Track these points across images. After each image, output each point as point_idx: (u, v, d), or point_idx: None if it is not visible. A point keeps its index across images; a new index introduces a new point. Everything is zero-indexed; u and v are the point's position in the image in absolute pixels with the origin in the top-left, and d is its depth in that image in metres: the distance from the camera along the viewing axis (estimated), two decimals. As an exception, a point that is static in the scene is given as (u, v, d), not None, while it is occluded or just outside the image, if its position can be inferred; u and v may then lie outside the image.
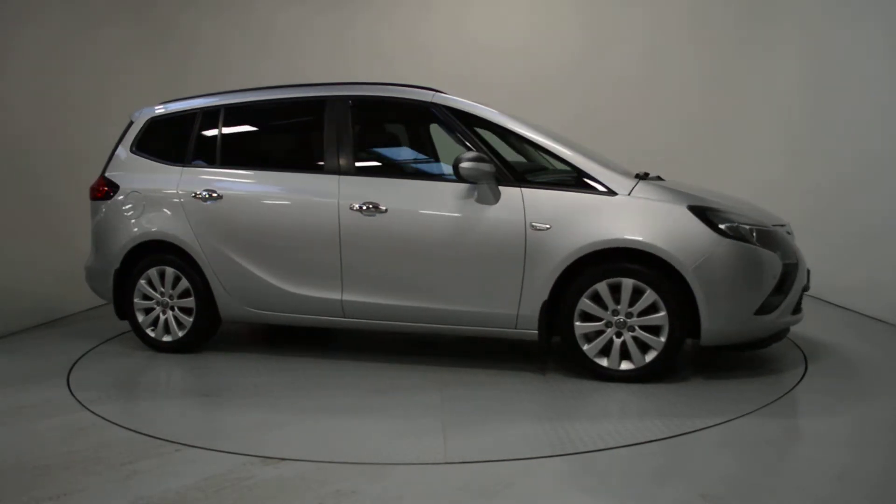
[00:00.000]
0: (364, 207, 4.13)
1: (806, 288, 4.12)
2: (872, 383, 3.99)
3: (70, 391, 3.93)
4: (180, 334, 4.61)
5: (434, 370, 4.20)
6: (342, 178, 4.25)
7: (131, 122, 4.96)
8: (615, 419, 3.41)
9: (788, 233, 4.18)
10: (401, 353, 4.59)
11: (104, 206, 4.81)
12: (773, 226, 3.99)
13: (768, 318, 3.84)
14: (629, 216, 3.80)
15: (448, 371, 4.17)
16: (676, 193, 3.88)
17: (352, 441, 3.18)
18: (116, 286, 4.72)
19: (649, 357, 3.82)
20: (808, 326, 5.17)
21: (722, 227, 3.75)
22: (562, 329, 3.92)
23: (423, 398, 3.73)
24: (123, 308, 4.75)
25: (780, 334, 4.07)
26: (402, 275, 4.12)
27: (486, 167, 3.90)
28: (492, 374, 4.11)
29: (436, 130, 4.54)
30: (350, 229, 4.16)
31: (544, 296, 3.89)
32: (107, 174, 4.89)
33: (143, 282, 4.64)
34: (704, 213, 3.77)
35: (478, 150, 4.04)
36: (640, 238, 3.74)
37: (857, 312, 5.61)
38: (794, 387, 3.83)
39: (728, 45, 7.21)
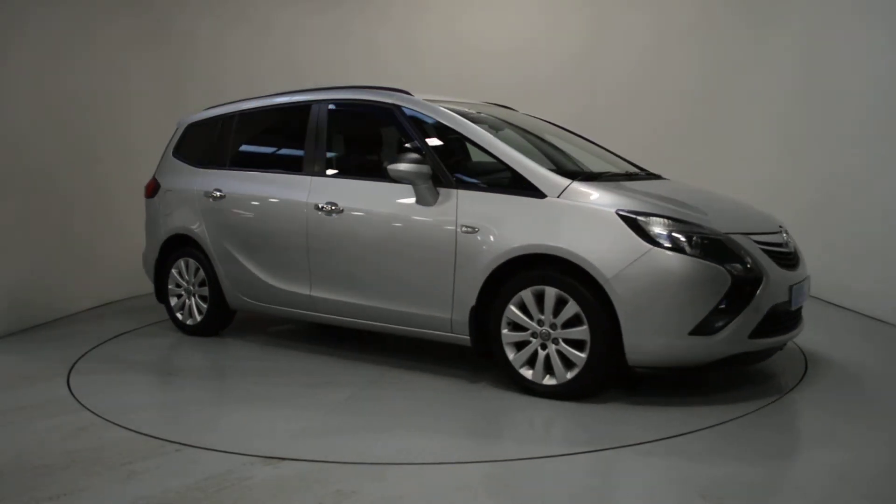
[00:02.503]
0: (326, 207, 4.31)
1: (786, 305, 3.60)
2: (872, 384, 3.99)
3: (70, 391, 3.93)
4: (199, 319, 5.09)
5: (378, 369, 4.25)
6: (314, 178, 4.47)
7: (177, 129, 5.53)
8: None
9: (778, 243, 3.73)
10: (384, 350, 4.62)
11: (151, 203, 5.46)
12: (729, 234, 3.49)
13: (709, 341, 3.38)
14: (553, 220, 3.59)
15: (393, 371, 4.20)
16: (612, 196, 3.57)
17: (204, 426, 3.36)
18: (157, 273, 5.34)
19: (571, 374, 3.55)
20: (807, 327, 5.18)
21: (651, 233, 3.41)
22: (492, 336, 3.77)
23: (334, 395, 3.80)
24: (162, 293, 5.35)
25: (762, 354, 3.67)
26: (356, 273, 4.25)
27: (414, 169, 3.85)
28: (430, 377, 4.07)
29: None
30: (315, 228, 4.37)
31: (472, 301, 3.77)
32: (156, 175, 5.50)
33: (174, 271, 5.22)
34: (634, 219, 3.45)
35: (419, 152, 4.00)
36: (557, 243, 3.51)
37: (857, 312, 5.60)
38: (794, 387, 3.83)
39: (728, 44, 7.19)
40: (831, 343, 4.81)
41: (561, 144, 4.75)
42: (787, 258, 3.74)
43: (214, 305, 5.01)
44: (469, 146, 4.23)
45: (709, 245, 3.42)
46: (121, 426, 3.36)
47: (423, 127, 4.17)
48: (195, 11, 7.42)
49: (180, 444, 3.13)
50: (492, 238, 3.70)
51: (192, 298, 5.14)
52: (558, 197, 3.62)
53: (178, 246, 5.20)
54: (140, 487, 2.71)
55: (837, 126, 5.93)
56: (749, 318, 3.43)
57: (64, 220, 5.89)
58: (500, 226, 3.70)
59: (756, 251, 3.53)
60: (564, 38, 7.67)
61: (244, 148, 5.14)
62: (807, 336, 4.80)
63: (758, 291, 3.44)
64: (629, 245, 3.39)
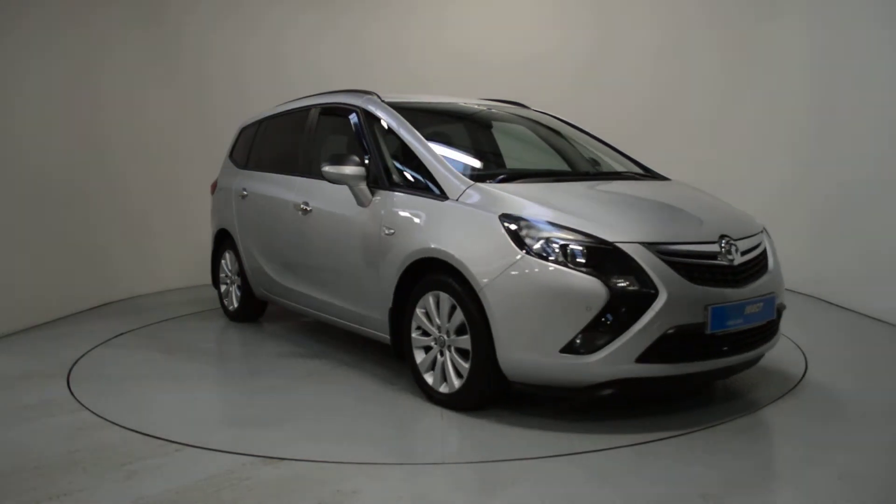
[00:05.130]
0: (302, 207, 4.49)
1: (700, 327, 3.12)
2: (873, 383, 3.99)
3: (70, 391, 3.93)
4: (236, 306, 5.59)
5: (325, 363, 4.43)
6: (300, 179, 4.69)
7: (236, 132, 5.94)
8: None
9: (705, 254, 3.24)
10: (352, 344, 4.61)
11: (212, 200, 5.97)
12: (618, 243, 3.11)
13: (583, 361, 3.05)
14: (447, 223, 3.51)
15: (337, 366, 4.35)
16: (503, 199, 3.39)
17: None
18: (213, 263, 5.90)
19: (459, 384, 3.43)
20: (808, 327, 5.18)
21: (527, 240, 3.18)
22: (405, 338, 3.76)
23: (257, 384, 4.08)
24: (215, 280, 5.94)
25: (691, 378, 3.25)
26: (319, 270, 4.47)
27: (346, 171, 3.89)
28: (357, 374, 4.18)
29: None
30: (294, 226, 4.61)
31: (389, 302, 3.78)
32: (219, 175, 5.93)
33: (223, 261, 5.75)
34: (513, 224, 3.25)
35: (365, 153, 4.08)
36: (444, 247, 3.42)
37: (859, 313, 5.60)
38: (794, 387, 3.83)
39: (736, 45, 7.14)
40: (831, 342, 4.81)
41: (565, 142, 4.73)
42: (718, 273, 3.25)
43: (245, 294, 5.46)
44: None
45: (589, 255, 3.09)
46: (121, 426, 3.36)
47: (375, 128, 4.20)
48: (183, 4, 7.27)
49: (180, 444, 3.13)
50: (403, 240, 3.69)
51: (233, 287, 5.64)
52: (457, 199, 3.54)
53: (224, 239, 5.70)
54: (140, 487, 2.71)
55: (847, 127, 5.85)
56: (635, 339, 3.03)
57: (63, 219, 5.89)
58: (410, 228, 3.68)
59: (655, 264, 3.10)
60: (567, 35, 7.67)
61: (264, 151, 5.45)
62: (806, 334, 4.81)
63: (653, 309, 3.03)
64: (504, 251, 3.20)
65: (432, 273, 3.54)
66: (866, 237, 5.61)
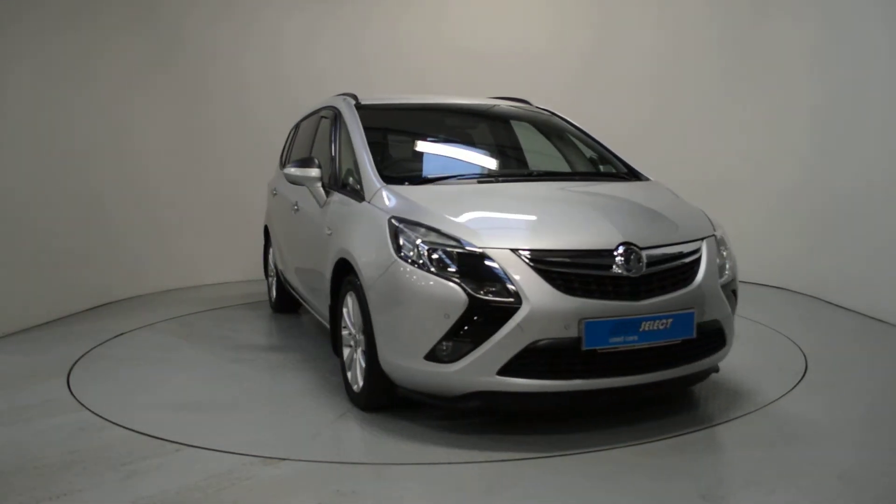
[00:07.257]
0: (295, 206, 4.73)
1: (574, 342, 2.92)
2: (872, 383, 3.99)
3: (70, 391, 3.93)
4: (275, 297, 5.84)
5: (292, 357, 4.59)
6: None
7: None
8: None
9: (600, 265, 3.02)
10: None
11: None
12: (486, 249, 2.99)
13: (444, 370, 2.98)
14: (356, 224, 3.58)
15: (300, 357, 4.54)
16: (398, 202, 3.38)
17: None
18: (264, 257, 6.22)
19: (362, 384, 3.46)
20: (808, 327, 5.18)
21: (403, 243, 3.15)
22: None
23: (219, 372, 4.30)
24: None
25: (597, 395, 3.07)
26: (300, 266, 4.73)
27: (301, 172, 4.01)
28: (310, 364, 4.35)
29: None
30: (291, 224, 4.90)
31: (328, 300, 3.88)
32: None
33: (269, 256, 6.05)
34: (395, 227, 3.22)
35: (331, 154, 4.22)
36: (347, 248, 3.51)
37: (858, 313, 5.59)
38: (794, 387, 3.83)
39: (736, 46, 7.11)
40: (830, 341, 4.81)
41: (560, 141, 4.72)
42: (609, 284, 3.01)
43: (279, 287, 5.71)
44: (392, 146, 4.39)
45: (455, 260, 3.02)
46: (121, 426, 3.37)
47: (341, 130, 4.29)
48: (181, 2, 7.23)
49: (180, 444, 3.13)
50: (334, 240, 3.78)
51: (272, 279, 5.94)
52: (370, 201, 3.57)
53: (268, 235, 6.01)
54: (140, 487, 2.71)
55: (853, 126, 5.79)
56: (495, 350, 2.91)
57: (62, 220, 5.88)
58: (339, 229, 3.76)
59: (524, 272, 2.95)
60: (567, 32, 7.65)
61: (292, 152, 5.66)
62: (806, 334, 4.81)
63: (516, 321, 2.89)
64: (385, 254, 3.20)
65: (349, 273, 3.58)
66: (869, 236, 5.60)
